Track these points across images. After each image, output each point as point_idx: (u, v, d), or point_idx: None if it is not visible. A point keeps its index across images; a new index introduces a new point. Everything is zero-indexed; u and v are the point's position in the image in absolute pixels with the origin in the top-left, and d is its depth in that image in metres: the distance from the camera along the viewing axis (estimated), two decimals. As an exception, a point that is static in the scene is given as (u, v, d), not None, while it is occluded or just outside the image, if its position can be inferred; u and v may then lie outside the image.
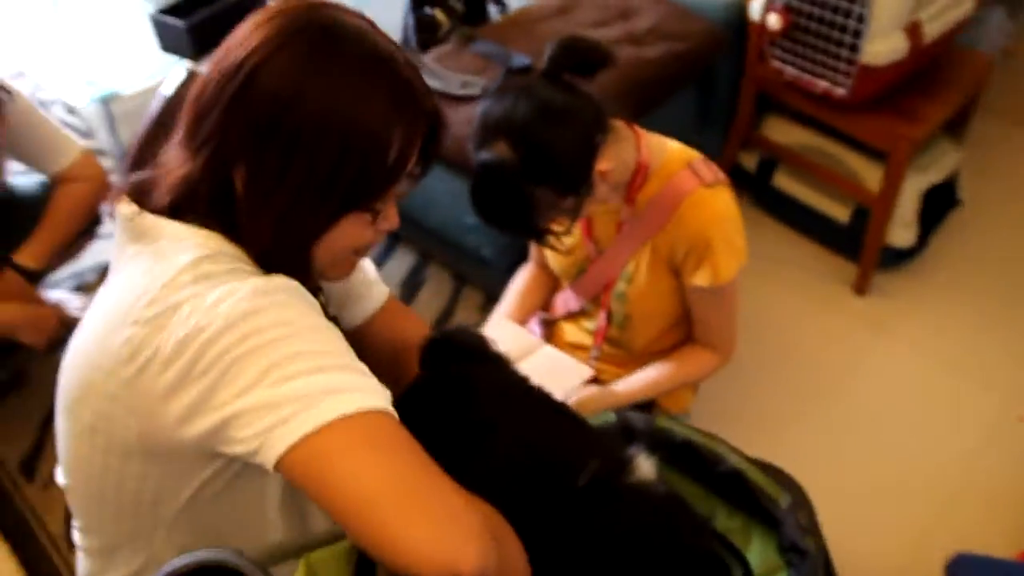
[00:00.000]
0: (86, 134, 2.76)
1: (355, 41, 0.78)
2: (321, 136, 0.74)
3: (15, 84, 1.70)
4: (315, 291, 0.97)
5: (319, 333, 0.74)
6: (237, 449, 0.69)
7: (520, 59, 1.86)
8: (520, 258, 1.72)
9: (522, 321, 1.62)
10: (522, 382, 0.86)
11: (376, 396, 0.71)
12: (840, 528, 1.06)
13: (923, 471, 1.87)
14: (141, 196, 0.83)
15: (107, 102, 2.30)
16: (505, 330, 1.55)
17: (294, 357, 0.70)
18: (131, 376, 0.74)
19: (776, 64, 2.05)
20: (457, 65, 1.93)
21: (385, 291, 1.12)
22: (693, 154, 1.38)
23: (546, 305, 1.66)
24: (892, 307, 2.23)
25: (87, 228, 1.86)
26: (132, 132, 2.14)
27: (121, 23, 2.48)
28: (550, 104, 1.20)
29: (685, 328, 1.52)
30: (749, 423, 1.93)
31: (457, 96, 1.87)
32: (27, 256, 1.72)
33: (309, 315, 0.75)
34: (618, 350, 1.55)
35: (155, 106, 1.58)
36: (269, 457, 0.68)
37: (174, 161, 0.82)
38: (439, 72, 1.91)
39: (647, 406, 1.60)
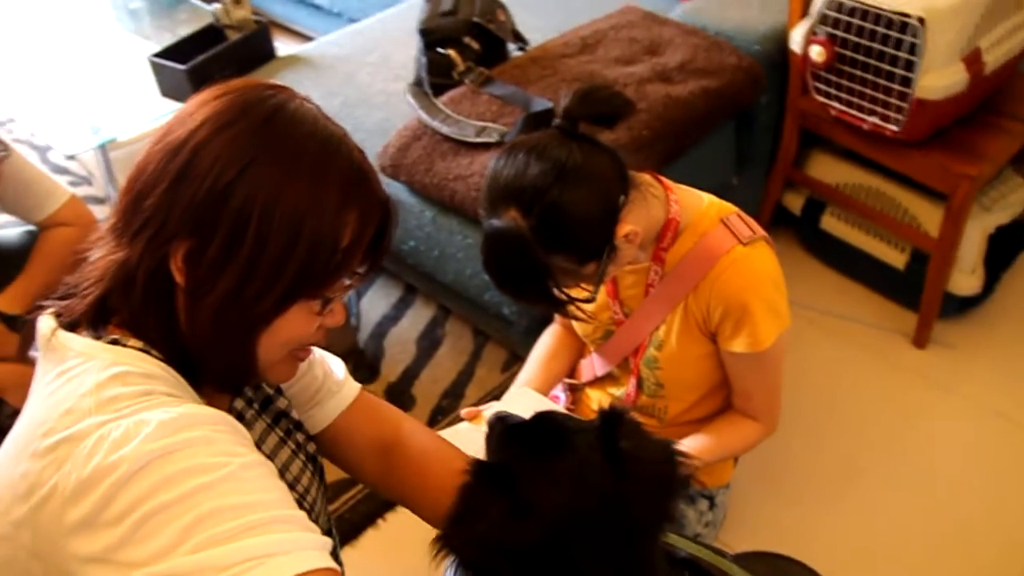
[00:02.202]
0: (85, 180, 2.73)
1: (307, 122, 0.76)
2: (270, 215, 0.72)
3: (9, 129, 1.64)
4: (276, 393, 0.96)
5: (240, 480, 0.68)
6: None
7: (540, 102, 1.75)
8: (544, 317, 1.63)
9: (547, 389, 1.52)
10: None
11: (302, 556, 0.66)
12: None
13: (989, 544, 1.73)
14: (66, 302, 0.80)
15: (105, 148, 2.24)
16: (526, 400, 1.44)
17: (213, 515, 0.65)
18: (27, 515, 0.68)
19: (821, 98, 1.93)
20: (472, 110, 1.83)
21: (356, 387, 1.09)
22: (728, 208, 1.30)
23: (573, 369, 1.56)
24: (955, 361, 2.09)
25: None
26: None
27: (120, 67, 2.43)
28: (565, 163, 1.10)
29: (722, 396, 1.42)
30: (791, 490, 1.79)
31: (473, 144, 1.76)
32: (7, 300, 1.63)
33: (228, 455, 0.69)
34: (649, 419, 1.45)
35: None
36: None
37: (104, 251, 0.77)
38: (453, 118, 1.81)
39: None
